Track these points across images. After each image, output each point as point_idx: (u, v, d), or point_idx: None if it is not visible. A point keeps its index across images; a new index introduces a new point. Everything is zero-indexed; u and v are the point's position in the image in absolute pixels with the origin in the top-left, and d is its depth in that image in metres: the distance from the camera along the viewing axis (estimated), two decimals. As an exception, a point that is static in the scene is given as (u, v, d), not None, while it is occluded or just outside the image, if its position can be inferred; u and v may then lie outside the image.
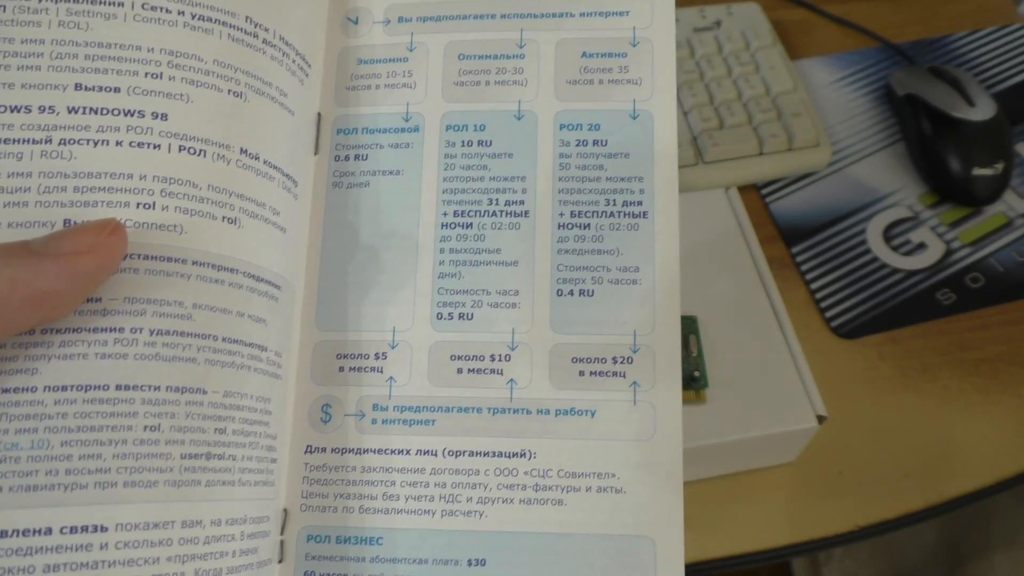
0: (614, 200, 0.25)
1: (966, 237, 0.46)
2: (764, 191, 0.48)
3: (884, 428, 0.40)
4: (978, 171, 0.46)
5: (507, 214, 0.26)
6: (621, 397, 0.24)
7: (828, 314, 0.43)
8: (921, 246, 0.46)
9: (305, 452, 0.25)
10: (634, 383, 0.24)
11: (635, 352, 0.24)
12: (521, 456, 0.24)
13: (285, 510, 0.24)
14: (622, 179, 0.25)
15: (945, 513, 0.38)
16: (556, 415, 0.24)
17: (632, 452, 0.24)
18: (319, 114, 0.27)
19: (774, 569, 0.71)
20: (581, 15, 0.26)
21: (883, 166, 0.49)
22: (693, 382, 0.36)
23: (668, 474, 0.24)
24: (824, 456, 0.39)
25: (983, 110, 0.47)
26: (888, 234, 0.46)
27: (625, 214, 0.25)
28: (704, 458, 0.36)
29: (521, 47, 0.26)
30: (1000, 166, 0.46)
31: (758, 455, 0.38)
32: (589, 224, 0.25)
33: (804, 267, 0.45)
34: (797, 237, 0.46)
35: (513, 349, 0.25)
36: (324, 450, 0.24)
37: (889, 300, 0.44)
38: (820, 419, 0.35)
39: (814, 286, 0.44)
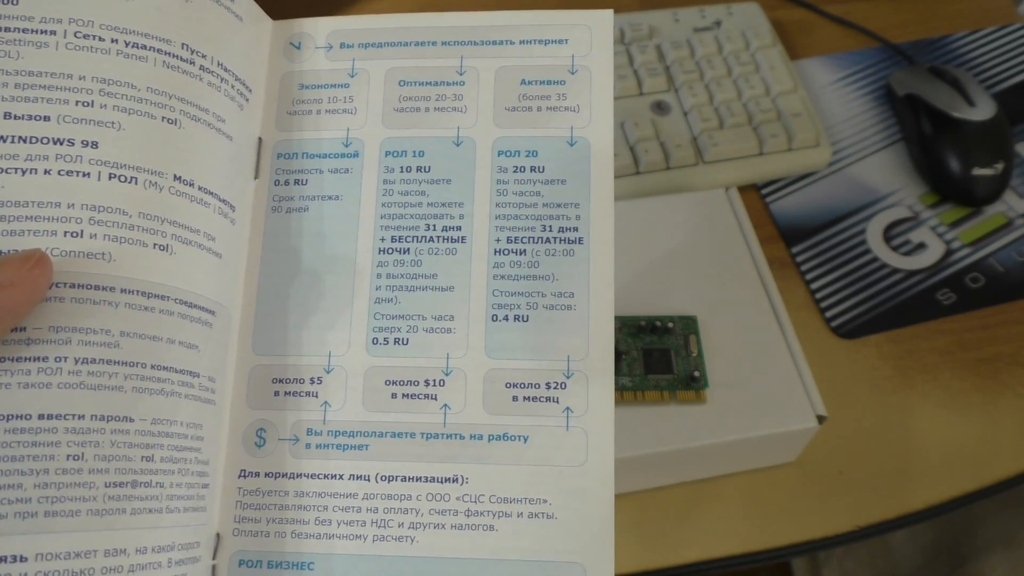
0: (550, 226, 0.26)
1: (966, 237, 0.46)
2: (764, 191, 0.48)
3: (884, 428, 0.40)
4: (978, 171, 0.46)
5: (444, 239, 0.26)
6: (554, 423, 0.24)
7: (828, 314, 0.43)
8: (921, 246, 0.46)
9: (239, 476, 0.25)
10: (567, 409, 0.24)
11: (568, 378, 0.24)
12: (453, 481, 0.24)
13: (218, 534, 0.24)
14: (558, 205, 0.26)
15: (945, 513, 0.38)
16: (489, 440, 0.24)
17: (564, 478, 0.24)
18: (260, 139, 0.27)
19: (774, 569, 0.71)
20: (521, 43, 0.27)
21: (883, 166, 0.49)
22: (693, 382, 0.36)
23: (599, 500, 0.24)
24: (824, 456, 0.39)
25: (983, 110, 0.47)
26: (888, 234, 0.46)
27: (561, 240, 0.25)
28: (704, 458, 0.36)
29: (461, 74, 0.27)
30: (1000, 166, 0.46)
31: (758, 455, 0.38)
32: (525, 250, 0.25)
33: (804, 267, 0.45)
34: (797, 237, 0.46)
35: (447, 374, 0.25)
36: (258, 474, 0.24)
37: (889, 300, 0.44)
38: (820, 419, 0.35)
39: (814, 286, 0.44)
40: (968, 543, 0.59)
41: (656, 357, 0.37)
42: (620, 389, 0.36)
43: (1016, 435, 0.40)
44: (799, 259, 0.45)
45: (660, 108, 0.48)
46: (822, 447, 0.39)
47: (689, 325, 0.37)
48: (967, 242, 0.46)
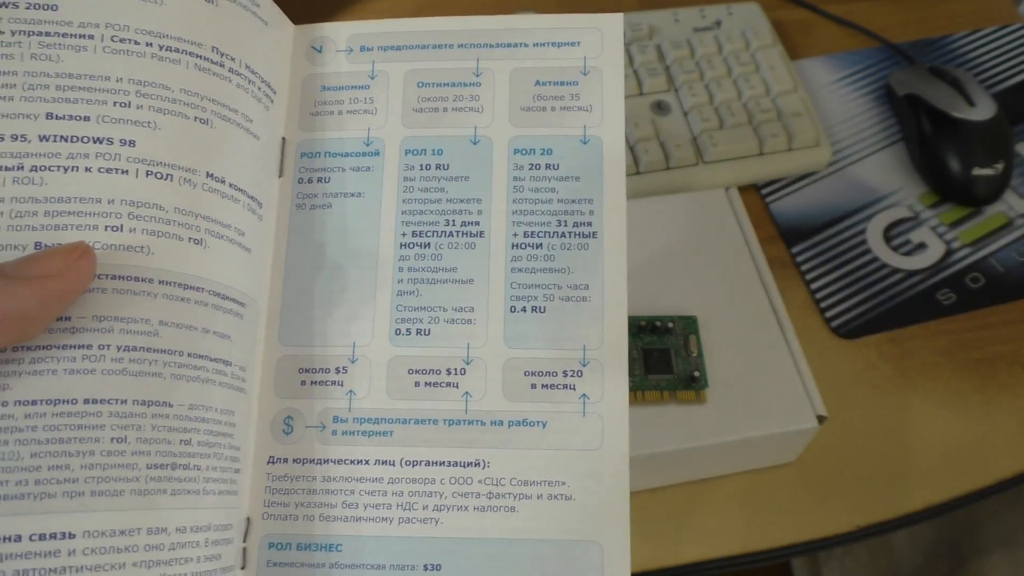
0: (565, 221, 0.26)
1: (966, 237, 0.46)
2: (764, 191, 0.48)
3: (884, 428, 0.40)
4: (978, 171, 0.46)
5: (463, 234, 0.27)
6: (571, 409, 0.25)
7: (828, 314, 0.43)
8: (921, 246, 0.46)
9: (268, 463, 0.25)
10: (584, 395, 0.25)
11: (584, 366, 0.25)
12: (475, 465, 0.25)
13: (248, 519, 0.25)
14: (573, 201, 0.27)
15: (945, 513, 0.38)
16: (509, 426, 0.25)
17: (581, 461, 0.25)
18: (284, 138, 0.28)
19: (774, 569, 0.71)
20: (535, 45, 0.28)
21: (883, 166, 0.49)
22: (693, 382, 0.36)
23: (615, 482, 0.25)
24: (824, 456, 0.39)
25: (983, 110, 0.47)
26: (888, 234, 0.46)
27: (575, 234, 0.26)
28: (704, 458, 0.36)
29: (477, 75, 0.28)
30: (1000, 166, 0.46)
31: (758, 455, 0.38)
32: (541, 244, 0.26)
33: (804, 267, 0.45)
34: (797, 237, 0.46)
35: (468, 363, 0.26)
36: (286, 460, 0.25)
37: (889, 300, 0.44)
38: (820, 419, 0.35)
39: (814, 286, 0.44)
40: (968, 543, 0.59)
41: (656, 357, 0.37)
42: (620, 389, 0.36)
43: (1016, 435, 0.40)
44: (799, 259, 0.45)
45: (660, 108, 0.48)
46: (822, 447, 0.39)
47: (689, 325, 0.37)
48: (967, 242, 0.46)
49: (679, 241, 0.40)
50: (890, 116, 0.51)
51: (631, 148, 0.47)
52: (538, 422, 0.25)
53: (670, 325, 0.37)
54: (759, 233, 0.41)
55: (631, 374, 0.36)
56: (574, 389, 0.25)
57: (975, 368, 0.42)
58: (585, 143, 0.27)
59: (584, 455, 0.25)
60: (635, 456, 0.35)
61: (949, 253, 0.45)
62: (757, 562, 0.37)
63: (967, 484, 0.39)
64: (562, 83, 0.27)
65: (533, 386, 0.25)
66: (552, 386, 0.25)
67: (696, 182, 0.46)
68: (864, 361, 0.42)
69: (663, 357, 0.37)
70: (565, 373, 0.25)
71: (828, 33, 0.55)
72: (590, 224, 0.26)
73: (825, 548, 0.38)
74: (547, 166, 0.27)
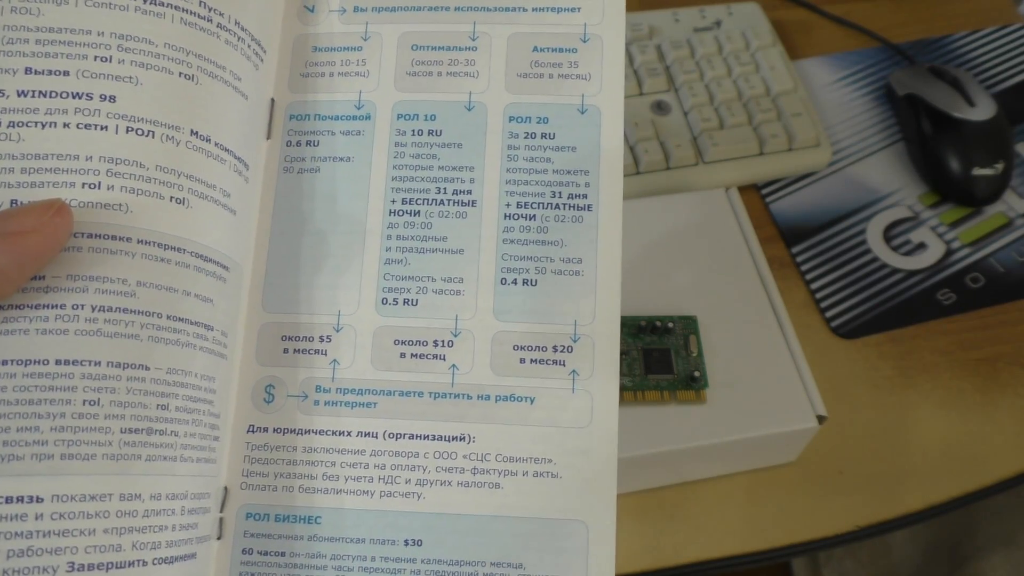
0: (560, 192, 0.26)
1: (966, 237, 0.46)
2: (764, 191, 0.48)
3: (884, 428, 0.40)
4: (978, 171, 0.46)
5: (454, 203, 0.26)
6: (560, 385, 0.25)
7: (828, 314, 0.43)
8: (921, 246, 0.46)
9: (247, 431, 0.25)
10: (573, 371, 0.25)
11: (575, 341, 0.25)
12: (460, 440, 0.25)
13: (225, 488, 0.24)
14: (568, 172, 0.26)
15: (945, 513, 0.38)
16: (496, 401, 0.25)
17: (569, 439, 0.24)
18: (272, 99, 0.27)
19: (774, 569, 0.71)
20: (534, 10, 0.27)
21: (883, 166, 0.49)
22: (693, 382, 0.36)
23: (603, 461, 0.24)
24: (824, 456, 0.39)
25: (983, 110, 0.47)
26: (888, 234, 0.46)
27: (570, 206, 0.26)
28: (704, 458, 0.36)
29: (473, 39, 0.27)
30: (1000, 166, 0.46)
31: (758, 455, 0.38)
32: (534, 215, 0.26)
33: (804, 267, 0.45)
34: (797, 237, 0.46)
35: (456, 335, 0.25)
36: (266, 430, 0.25)
37: (889, 300, 0.44)
38: (820, 419, 0.35)
39: (814, 286, 0.44)
40: (968, 543, 0.59)
41: (656, 357, 0.37)
42: (620, 389, 0.36)
43: (1016, 435, 0.40)
44: (799, 259, 0.45)
45: (660, 108, 0.48)
46: (822, 447, 0.39)
47: (689, 325, 0.37)
48: (967, 242, 0.46)
49: (679, 241, 0.40)
50: (890, 116, 0.51)
51: (631, 148, 0.47)
52: (526, 397, 0.25)
53: (670, 325, 0.37)
54: (759, 233, 0.41)
55: (632, 374, 0.36)
56: (564, 365, 0.25)
57: (975, 368, 0.42)
58: (583, 112, 0.26)
59: (572, 432, 0.24)
60: (635, 456, 0.35)
61: (949, 253, 0.45)
62: (757, 562, 0.37)
63: (967, 484, 0.39)
64: (561, 50, 0.27)
65: (522, 360, 0.25)
66: (541, 361, 0.25)
67: (696, 182, 0.46)
68: (864, 361, 0.42)
69: (663, 357, 0.37)
70: (555, 348, 0.25)
71: (828, 33, 0.55)
72: (585, 196, 0.26)
73: (825, 548, 0.38)
74: (543, 135, 0.26)
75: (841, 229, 0.46)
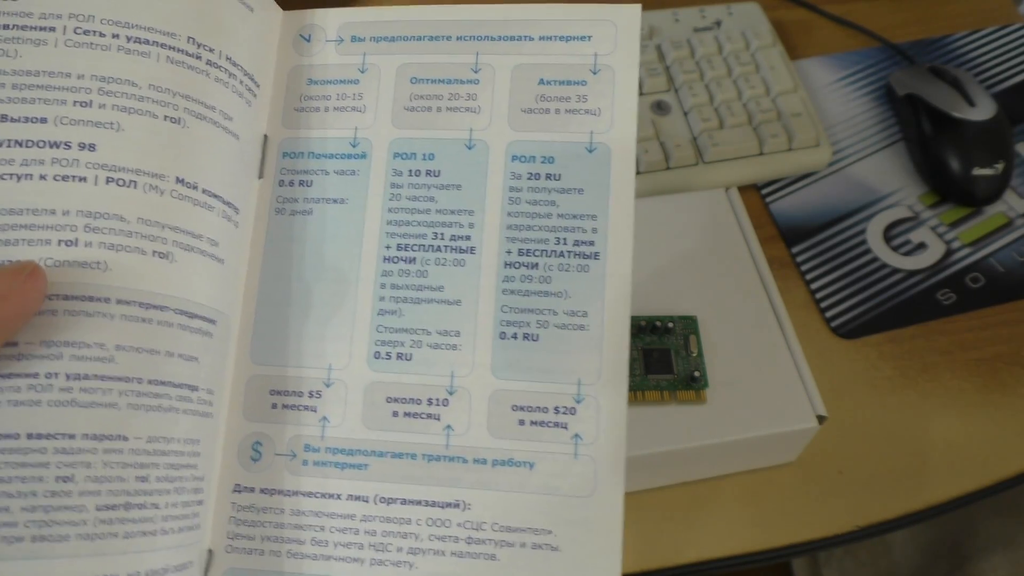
0: (565, 239, 0.24)
1: (966, 237, 0.46)
2: (764, 191, 0.48)
3: (884, 428, 0.40)
4: (978, 171, 0.46)
5: (452, 249, 0.24)
6: (561, 450, 0.23)
7: (828, 314, 0.43)
8: (921, 246, 0.46)
9: (233, 491, 0.24)
10: (576, 436, 0.23)
11: (579, 402, 0.23)
12: (455, 506, 0.23)
13: (210, 551, 0.23)
14: (574, 216, 0.24)
15: (945, 513, 0.38)
16: (493, 465, 0.23)
17: (570, 508, 0.23)
18: (265, 136, 0.26)
19: (774, 569, 0.71)
20: (540, 39, 0.25)
21: (883, 166, 0.49)
22: (693, 382, 0.36)
23: (606, 533, 0.22)
24: (824, 456, 0.39)
25: (983, 110, 0.47)
26: (888, 234, 0.46)
27: (576, 254, 0.24)
28: (704, 458, 0.36)
29: (476, 72, 0.25)
30: (1000, 166, 0.46)
31: (758, 455, 0.38)
32: (537, 263, 0.24)
33: (804, 267, 0.45)
34: (797, 237, 0.46)
35: (451, 393, 0.24)
36: (253, 490, 0.24)
37: (889, 300, 0.44)
38: (820, 419, 0.35)
39: (814, 286, 0.44)
40: (968, 543, 0.59)
41: (656, 357, 0.37)
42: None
43: (1016, 435, 0.40)
44: (799, 259, 0.45)
45: (660, 108, 0.48)
46: (822, 447, 0.39)
47: (689, 325, 0.37)
48: (967, 242, 0.46)
49: (679, 241, 0.40)
50: (890, 116, 0.51)
51: (631, 148, 0.47)
52: (525, 462, 0.23)
53: (670, 325, 0.37)
54: (759, 233, 0.41)
55: (631, 374, 0.36)
56: (566, 428, 0.23)
57: (975, 368, 0.42)
58: (591, 151, 0.25)
59: (574, 501, 0.23)
60: (635, 456, 0.35)
61: (949, 253, 0.45)
62: (757, 562, 0.37)
63: (967, 484, 0.39)
64: (569, 82, 0.25)
65: (521, 422, 0.23)
66: (542, 423, 0.23)
67: (696, 182, 0.46)
68: (864, 361, 0.42)
69: (663, 357, 0.37)
70: (557, 410, 0.23)
71: (828, 33, 0.55)
72: (592, 243, 0.24)
73: (825, 548, 0.38)
74: (548, 176, 0.25)
75: (841, 229, 0.46)
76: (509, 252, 0.24)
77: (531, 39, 0.25)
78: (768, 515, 0.38)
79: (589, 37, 0.25)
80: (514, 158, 0.25)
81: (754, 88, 0.48)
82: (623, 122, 0.25)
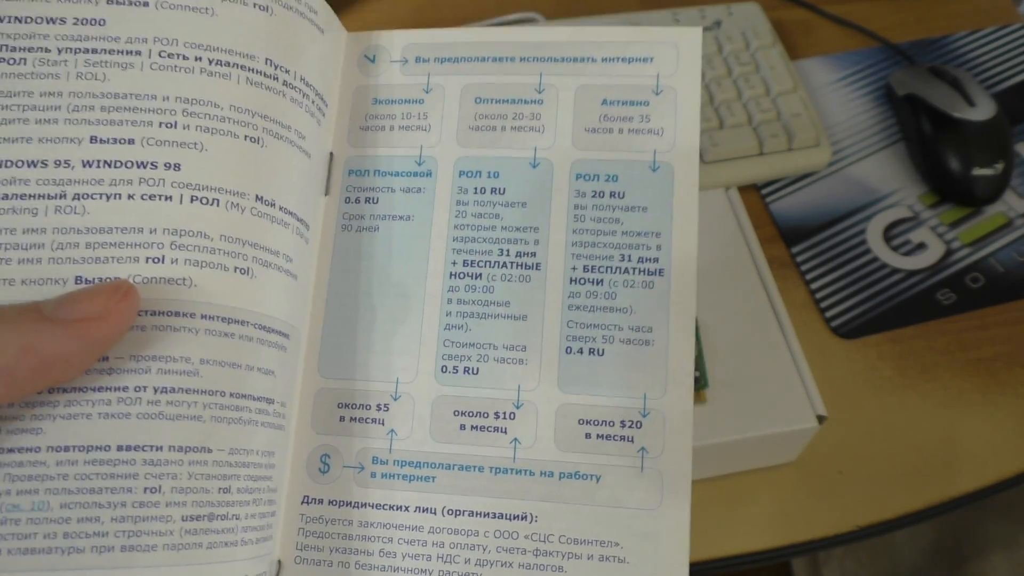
0: (629, 256, 0.24)
1: (966, 237, 0.46)
2: (764, 191, 0.48)
3: (884, 428, 0.40)
4: (978, 171, 0.46)
5: (518, 266, 0.25)
6: (628, 463, 0.23)
7: (828, 314, 0.43)
8: (921, 246, 0.46)
9: (302, 502, 0.24)
10: (642, 449, 0.23)
11: (644, 417, 0.24)
12: (522, 519, 0.23)
13: (279, 562, 0.23)
14: (638, 234, 0.25)
15: (945, 513, 0.38)
16: (560, 478, 0.23)
17: (637, 521, 0.23)
18: (331, 154, 0.26)
19: (774, 569, 0.71)
20: (603, 60, 0.26)
21: (883, 166, 0.49)
22: (693, 382, 0.36)
23: (674, 546, 0.23)
24: (824, 456, 0.39)
25: (983, 110, 0.47)
26: (888, 234, 0.46)
27: (640, 271, 0.24)
28: (704, 458, 0.36)
29: (540, 92, 0.26)
30: (1000, 166, 0.46)
31: (758, 455, 0.38)
32: (602, 280, 0.24)
33: (804, 267, 0.45)
34: (797, 237, 0.46)
35: (518, 407, 0.24)
36: (321, 501, 0.24)
37: (889, 300, 0.44)
38: (820, 419, 0.35)
39: (814, 286, 0.44)
40: (968, 543, 0.59)
41: (656, 357, 0.37)
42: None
43: (1016, 435, 0.40)
44: (799, 259, 0.45)
45: (660, 108, 0.48)
46: (822, 447, 0.39)
47: (689, 325, 0.37)
48: (967, 242, 0.46)
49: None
50: (890, 116, 0.51)
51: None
52: (591, 475, 0.23)
53: (670, 325, 0.37)
54: (759, 233, 0.41)
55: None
56: (632, 441, 0.23)
57: (975, 368, 0.42)
58: (655, 170, 0.25)
59: (640, 515, 0.23)
60: (635, 456, 0.35)
61: (949, 253, 0.45)
62: (757, 562, 0.37)
63: (967, 484, 0.39)
64: (632, 103, 0.25)
65: (588, 436, 0.23)
66: (608, 436, 0.23)
67: (696, 182, 0.46)
68: (864, 361, 0.42)
69: (663, 357, 0.37)
70: (623, 423, 0.23)
71: (828, 33, 0.55)
72: (656, 260, 0.24)
73: (825, 548, 0.38)
74: (612, 194, 0.25)
75: (841, 229, 0.46)
76: (574, 268, 0.25)
77: (594, 60, 0.26)
78: (768, 515, 0.38)
79: (651, 58, 0.26)
80: (578, 176, 0.25)
81: (754, 88, 0.48)
82: (686, 141, 0.25)
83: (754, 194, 0.48)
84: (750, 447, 0.36)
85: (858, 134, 0.50)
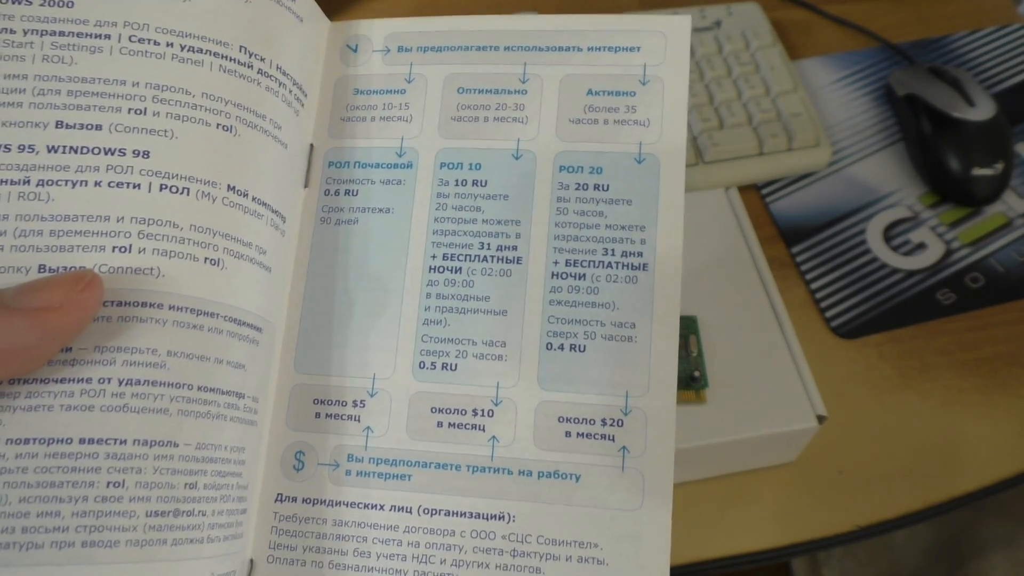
0: (613, 250, 0.24)
1: (966, 237, 0.46)
2: (764, 191, 0.48)
3: (884, 428, 0.40)
4: (978, 171, 0.46)
5: (499, 260, 0.24)
6: (608, 462, 0.23)
7: (828, 314, 0.43)
8: (921, 246, 0.46)
9: (275, 500, 0.23)
10: (623, 448, 0.23)
11: (626, 415, 0.23)
12: (499, 519, 0.23)
13: (251, 560, 0.23)
14: (622, 227, 0.24)
15: (945, 513, 0.38)
16: (538, 477, 0.23)
17: (617, 522, 0.22)
18: (312, 145, 0.26)
19: (774, 569, 0.71)
20: (589, 49, 0.25)
21: (883, 166, 0.49)
22: (693, 382, 0.36)
23: (654, 548, 0.22)
24: (824, 456, 0.39)
25: (983, 110, 0.47)
26: (888, 234, 0.46)
27: (624, 265, 0.24)
28: (704, 458, 0.36)
29: (524, 82, 0.25)
30: (1000, 166, 0.46)
31: (758, 455, 0.38)
32: (584, 274, 0.24)
33: (804, 267, 0.45)
34: (797, 237, 0.46)
35: (497, 404, 0.23)
36: (295, 499, 0.23)
37: (889, 300, 0.44)
38: (820, 419, 0.35)
39: (814, 286, 0.44)
40: (968, 543, 0.59)
41: (656, 357, 0.37)
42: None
43: (1016, 435, 0.40)
44: (799, 259, 0.45)
45: (660, 108, 0.48)
46: (822, 447, 0.39)
47: (689, 325, 0.37)
48: (967, 242, 0.46)
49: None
50: (890, 116, 0.51)
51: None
52: (571, 475, 0.23)
53: (670, 325, 0.37)
54: (759, 233, 0.41)
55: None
56: (613, 440, 0.23)
57: (975, 368, 0.42)
58: (640, 162, 0.24)
59: (621, 515, 0.22)
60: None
61: (949, 253, 0.45)
62: (757, 562, 0.37)
63: (967, 484, 0.39)
64: (618, 93, 0.25)
65: (568, 434, 0.23)
66: (589, 435, 0.23)
67: (696, 182, 0.46)
68: (864, 361, 0.42)
69: (663, 357, 0.37)
70: (604, 422, 0.23)
71: (828, 33, 0.55)
72: (640, 255, 0.24)
73: (825, 548, 0.38)
74: (596, 187, 0.24)
75: (841, 229, 0.46)
76: (556, 263, 0.24)
77: (580, 50, 0.25)
78: (768, 515, 0.38)
79: (638, 48, 0.25)
80: (562, 168, 0.25)
81: (754, 88, 0.48)
82: (673, 133, 0.24)
83: (754, 194, 0.48)
84: (750, 447, 0.36)
85: (858, 134, 0.50)
